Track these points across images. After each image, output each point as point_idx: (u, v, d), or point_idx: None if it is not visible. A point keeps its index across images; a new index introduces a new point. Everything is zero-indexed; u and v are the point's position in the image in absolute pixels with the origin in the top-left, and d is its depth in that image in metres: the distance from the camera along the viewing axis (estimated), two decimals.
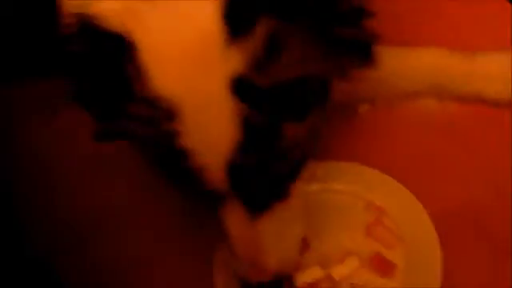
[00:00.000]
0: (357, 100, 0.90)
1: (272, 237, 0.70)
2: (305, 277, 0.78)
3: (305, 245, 0.78)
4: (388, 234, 0.81)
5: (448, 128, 0.89)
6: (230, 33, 0.59)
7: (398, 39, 0.89)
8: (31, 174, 0.91)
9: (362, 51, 0.66)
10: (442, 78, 0.89)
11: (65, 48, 0.64)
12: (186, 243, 0.84)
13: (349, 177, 0.84)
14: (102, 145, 0.71)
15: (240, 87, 0.60)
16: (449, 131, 0.89)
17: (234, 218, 0.70)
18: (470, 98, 0.89)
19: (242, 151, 0.63)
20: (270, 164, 0.65)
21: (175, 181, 0.70)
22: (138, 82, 0.61)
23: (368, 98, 0.90)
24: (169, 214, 0.86)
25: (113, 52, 0.61)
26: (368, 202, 0.83)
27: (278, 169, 0.67)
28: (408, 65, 0.89)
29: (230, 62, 0.59)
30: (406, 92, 0.90)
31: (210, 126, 0.61)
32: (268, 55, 0.60)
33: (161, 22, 0.60)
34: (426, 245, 0.80)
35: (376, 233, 0.81)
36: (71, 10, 0.63)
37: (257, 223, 0.69)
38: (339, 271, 0.78)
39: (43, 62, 0.79)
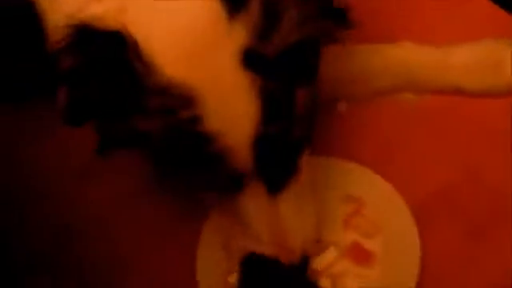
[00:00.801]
0: (335, 99, 0.92)
1: (293, 216, 0.71)
2: None
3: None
4: (367, 224, 0.83)
5: (424, 120, 0.91)
6: (228, 9, 0.61)
7: (373, 36, 0.92)
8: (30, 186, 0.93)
9: (339, 15, 0.69)
10: (418, 72, 0.91)
11: (57, 63, 0.63)
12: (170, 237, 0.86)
13: (328, 171, 0.85)
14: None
15: (249, 60, 0.62)
16: (425, 123, 0.91)
17: (256, 202, 0.70)
18: (446, 90, 0.91)
19: (265, 123, 0.63)
20: (289, 134, 0.66)
21: (184, 174, 0.70)
22: (149, 76, 0.61)
23: (346, 96, 0.92)
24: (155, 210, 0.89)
25: (114, 52, 0.61)
26: (347, 194, 0.85)
27: (295, 138, 0.68)
28: (384, 61, 0.91)
29: (235, 37, 0.61)
30: (383, 88, 0.92)
31: (230, 104, 0.62)
32: (268, 24, 0.62)
33: (157, 12, 0.61)
34: (404, 233, 0.82)
35: (355, 223, 0.83)
36: (58, 24, 0.64)
37: (278, 204, 0.70)
38: (318, 262, 0.80)
39: (39, 83, 0.76)
